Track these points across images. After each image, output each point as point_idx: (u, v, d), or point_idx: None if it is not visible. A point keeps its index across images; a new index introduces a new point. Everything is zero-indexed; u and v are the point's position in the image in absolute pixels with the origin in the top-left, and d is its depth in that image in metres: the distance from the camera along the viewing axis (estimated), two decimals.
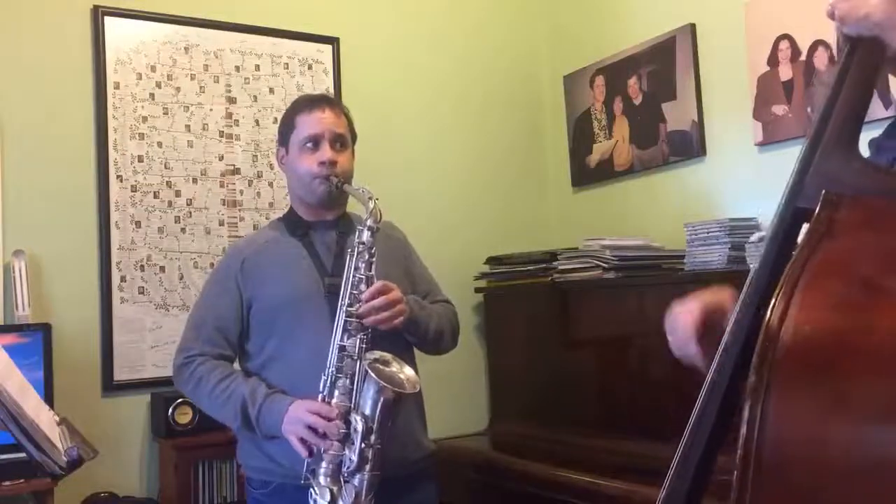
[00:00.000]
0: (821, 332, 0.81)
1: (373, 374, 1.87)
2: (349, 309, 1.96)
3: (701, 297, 1.20)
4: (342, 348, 1.94)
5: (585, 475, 2.70)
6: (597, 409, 3.12)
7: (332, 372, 1.93)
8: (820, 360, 0.80)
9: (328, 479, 1.88)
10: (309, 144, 2.13)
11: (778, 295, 0.83)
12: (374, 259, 2.00)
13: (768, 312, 0.83)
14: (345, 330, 1.95)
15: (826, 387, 0.79)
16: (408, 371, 1.96)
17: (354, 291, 1.97)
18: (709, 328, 1.16)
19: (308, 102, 2.20)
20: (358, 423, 1.87)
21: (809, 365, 0.80)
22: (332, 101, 2.23)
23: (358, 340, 1.94)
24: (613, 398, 3.06)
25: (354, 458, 1.86)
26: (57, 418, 1.75)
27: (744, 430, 0.81)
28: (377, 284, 1.98)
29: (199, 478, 2.82)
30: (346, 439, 1.89)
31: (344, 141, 2.16)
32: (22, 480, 2.42)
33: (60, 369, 2.70)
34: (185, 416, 2.82)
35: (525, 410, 3.43)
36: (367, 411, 1.88)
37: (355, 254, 2.00)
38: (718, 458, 1.02)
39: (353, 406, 1.90)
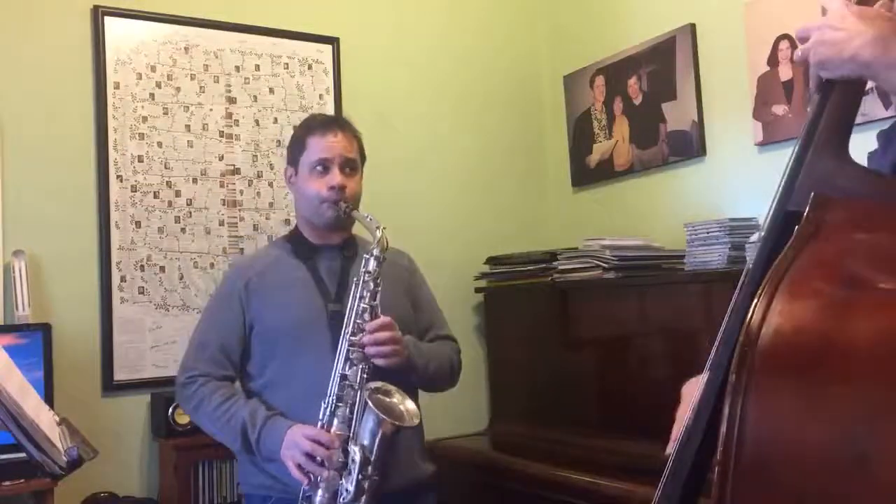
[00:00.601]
0: (802, 333, 0.81)
1: (372, 406, 1.84)
2: (352, 338, 1.95)
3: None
4: (343, 377, 1.93)
5: (585, 475, 2.70)
6: (597, 409, 3.11)
7: (333, 400, 1.92)
8: (801, 361, 0.80)
9: None
10: (319, 168, 2.11)
11: (760, 295, 0.83)
12: (379, 289, 1.98)
13: (749, 313, 0.83)
14: (347, 359, 1.94)
15: (808, 387, 0.79)
16: (409, 404, 1.93)
17: (358, 321, 1.96)
18: None
19: (320, 125, 2.18)
20: (356, 453, 1.84)
21: (789, 365, 0.80)
22: (343, 125, 2.21)
23: (360, 370, 1.93)
24: (613, 398, 3.05)
25: (351, 488, 1.84)
26: (57, 418, 1.75)
27: (724, 428, 0.81)
28: (383, 319, 1.97)
29: (199, 478, 2.82)
30: (343, 469, 1.86)
31: (354, 165, 2.15)
32: (22, 480, 2.42)
33: (60, 369, 2.70)
34: (185, 417, 2.81)
35: (525, 410, 3.43)
36: (366, 442, 1.85)
37: (360, 283, 1.99)
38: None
39: (351, 436, 1.88)
